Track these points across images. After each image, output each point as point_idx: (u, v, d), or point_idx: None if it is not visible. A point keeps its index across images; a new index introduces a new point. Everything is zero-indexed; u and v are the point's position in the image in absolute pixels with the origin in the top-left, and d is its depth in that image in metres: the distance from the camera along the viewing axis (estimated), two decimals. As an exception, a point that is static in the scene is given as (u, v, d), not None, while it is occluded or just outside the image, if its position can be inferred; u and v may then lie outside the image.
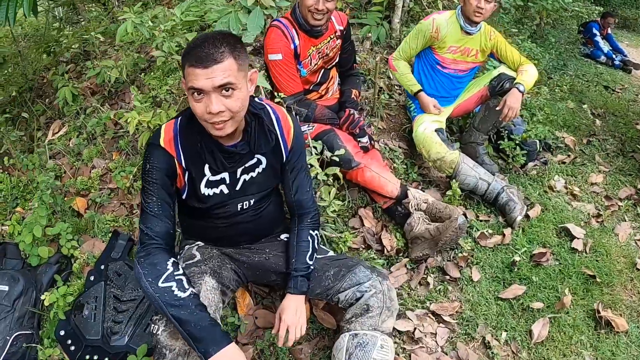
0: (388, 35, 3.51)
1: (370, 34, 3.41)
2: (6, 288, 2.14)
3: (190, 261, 1.64)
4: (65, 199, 2.46)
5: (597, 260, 2.36)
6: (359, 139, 2.42)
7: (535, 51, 3.69)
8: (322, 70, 2.50)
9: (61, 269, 2.26)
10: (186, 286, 1.38)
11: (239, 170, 1.58)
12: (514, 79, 2.76)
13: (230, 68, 1.30)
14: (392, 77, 3.26)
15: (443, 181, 2.73)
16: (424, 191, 2.64)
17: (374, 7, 3.56)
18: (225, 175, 1.57)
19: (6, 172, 2.51)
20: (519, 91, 2.63)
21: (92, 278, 2.10)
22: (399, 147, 2.83)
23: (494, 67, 3.12)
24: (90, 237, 2.34)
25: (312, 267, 1.67)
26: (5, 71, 3.66)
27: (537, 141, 3.08)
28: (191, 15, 2.69)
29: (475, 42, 2.74)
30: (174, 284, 1.37)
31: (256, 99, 1.64)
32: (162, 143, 1.47)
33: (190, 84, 1.30)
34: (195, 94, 1.32)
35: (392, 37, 3.50)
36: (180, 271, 1.42)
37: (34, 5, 2.28)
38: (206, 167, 1.53)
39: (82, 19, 4.51)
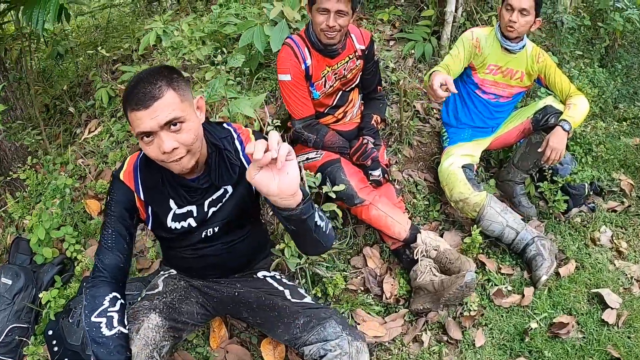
0: (435, 52, 3.22)
1: (413, 51, 3.14)
2: (10, 282, 2.19)
3: (150, 292, 1.58)
4: (80, 202, 2.47)
5: (629, 338, 1.99)
6: (370, 172, 2.21)
7: (600, 77, 3.22)
8: (340, 92, 2.30)
9: (64, 270, 2.28)
10: (115, 324, 1.31)
11: (206, 203, 1.49)
12: (562, 112, 2.41)
13: (172, 101, 1.20)
14: (431, 99, 2.99)
15: (468, 223, 2.44)
16: (442, 234, 2.38)
17: (421, 22, 3.28)
18: (192, 207, 1.49)
19: (33, 169, 2.57)
20: (564, 130, 2.29)
21: (85, 284, 2.10)
22: (425, 179, 2.58)
23: (540, 98, 2.75)
24: (96, 241, 2.34)
25: None
26: (63, 64, 3.81)
27: (586, 184, 2.69)
28: (215, 25, 2.60)
29: (519, 63, 2.42)
30: (103, 320, 1.32)
31: (224, 124, 1.53)
32: (122, 176, 1.43)
33: (137, 130, 1.20)
34: (145, 137, 1.22)
35: (439, 54, 3.21)
36: (116, 307, 1.35)
37: (61, 12, 2.28)
38: (171, 201, 1.47)
39: (157, 12, 4.53)
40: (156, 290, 1.58)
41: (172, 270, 1.71)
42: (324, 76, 2.19)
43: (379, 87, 2.41)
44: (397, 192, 2.44)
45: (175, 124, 1.21)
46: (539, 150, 2.37)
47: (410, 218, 2.40)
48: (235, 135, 1.52)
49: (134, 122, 1.20)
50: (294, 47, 2.12)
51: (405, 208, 2.39)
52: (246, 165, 1.48)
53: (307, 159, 2.25)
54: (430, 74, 2.14)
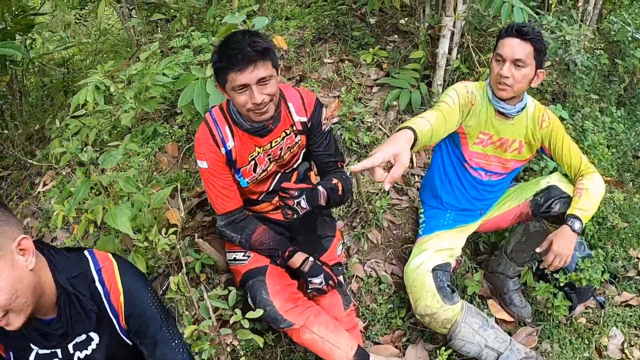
0: (425, 101, 2.68)
1: (396, 102, 2.62)
2: None
3: None
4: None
5: None
6: (310, 279, 1.74)
7: (618, 129, 2.60)
8: (279, 174, 1.83)
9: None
10: None
11: (70, 346, 1.23)
12: (569, 197, 1.85)
13: None
14: (413, 164, 2.46)
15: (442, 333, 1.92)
16: (405, 348, 1.88)
17: (409, 65, 2.74)
18: (57, 350, 1.24)
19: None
20: (573, 230, 1.74)
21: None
22: (392, 273, 2.07)
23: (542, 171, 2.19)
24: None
25: None
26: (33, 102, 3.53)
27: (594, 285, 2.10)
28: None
29: (517, 130, 1.85)
30: None
31: (85, 252, 1.25)
32: None
33: None
34: None
35: (430, 103, 2.67)
36: None
37: None
38: (30, 344, 1.22)
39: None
40: None
41: None
42: (252, 159, 1.73)
43: (339, 164, 1.86)
44: (354, 295, 1.96)
45: None
46: (538, 250, 1.82)
47: (366, 328, 1.92)
48: (94, 271, 1.23)
49: None
50: (212, 126, 1.67)
51: (361, 314, 1.90)
52: (108, 311, 1.23)
53: (235, 259, 1.81)
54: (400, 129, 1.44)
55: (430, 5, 2.73)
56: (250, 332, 1.55)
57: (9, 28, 2.88)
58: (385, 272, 2.06)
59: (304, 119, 1.75)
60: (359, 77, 2.80)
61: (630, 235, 2.42)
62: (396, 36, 3.17)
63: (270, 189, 1.84)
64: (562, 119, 2.42)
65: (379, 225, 2.17)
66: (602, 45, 2.76)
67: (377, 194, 2.25)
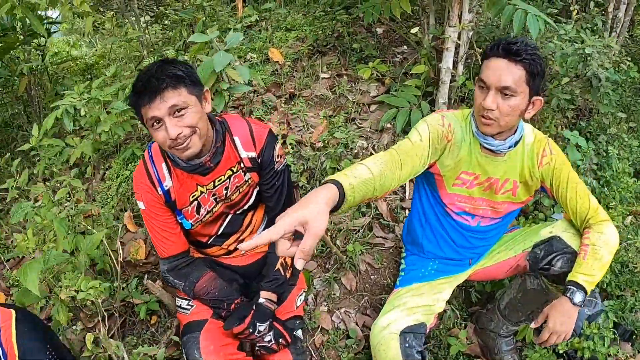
0: (426, 121, 2.36)
1: (390, 124, 2.32)
2: None
3: None
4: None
5: None
6: (257, 338, 1.51)
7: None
8: (228, 216, 1.62)
9: None
10: None
11: None
12: (575, 254, 1.50)
13: None
14: (404, 197, 2.16)
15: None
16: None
17: (410, 81, 2.43)
18: None
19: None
20: (573, 303, 1.40)
21: None
22: (364, 325, 1.80)
23: (544, 217, 1.82)
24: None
25: None
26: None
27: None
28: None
29: (510, 168, 1.50)
30: None
31: None
32: None
33: None
34: None
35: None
36: None
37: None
38: None
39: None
40: None
41: None
42: (195, 199, 1.52)
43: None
44: (316, 350, 1.71)
45: None
46: (533, 326, 1.50)
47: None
48: None
49: None
50: (149, 165, 1.48)
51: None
52: None
53: (180, 307, 1.62)
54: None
55: (435, 15, 2.40)
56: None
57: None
58: (356, 324, 1.79)
59: (253, 155, 1.52)
60: (356, 94, 2.53)
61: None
62: (405, 47, 2.86)
63: (220, 232, 1.62)
64: (578, 147, 2.04)
65: (355, 268, 1.91)
66: (631, 57, 2.32)
67: (356, 232, 1.99)
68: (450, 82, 2.33)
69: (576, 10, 2.30)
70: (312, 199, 0.95)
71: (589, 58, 2.03)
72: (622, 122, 2.44)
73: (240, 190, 1.56)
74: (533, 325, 1.49)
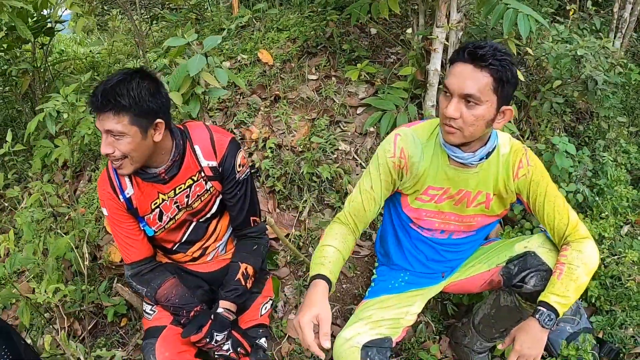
0: (414, 125, 2.31)
1: (374, 128, 2.28)
2: None
3: None
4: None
5: None
6: (216, 347, 1.52)
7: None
8: (192, 224, 1.63)
9: None
10: None
11: None
12: (549, 271, 1.45)
13: None
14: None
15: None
16: None
17: (397, 83, 2.38)
18: None
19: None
20: (542, 326, 1.32)
21: None
22: (332, 335, 1.76)
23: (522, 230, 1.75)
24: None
25: None
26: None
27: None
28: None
29: (483, 180, 1.43)
30: None
31: None
32: None
33: None
34: None
35: (420, 127, 2.30)
36: None
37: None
38: None
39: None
40: None
41: None
42: (156, 207, 1.54)
43: (252, 219, 1.64)
44: (281, 359, 1.71)
45: None
46: (500, 347, 1.45)
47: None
48: None
49: None
50: (111, 173, 1.50)
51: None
52: None
53: (145, 311, 1.64)
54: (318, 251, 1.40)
55: (424, 15, 2.35)
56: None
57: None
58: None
59: (214, 164, 1.52)
60: (344, 96, 2.50)
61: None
62: (400, 48, 2.80)
63: (184, 239, 1.63)
64: (568, 153, 1.96)
65: (328, 276, 1.88)
66: (630, 59, 2.21)
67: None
68: (439, 85, 2.27)
69: (573, 10, 2.21)
70: (314, 299, 1.26)
71: (582, 60, 1.95)
72: (623, 127, 2.34)
73: (202, 198, 1.56)
74: (500, 346, 1.44)
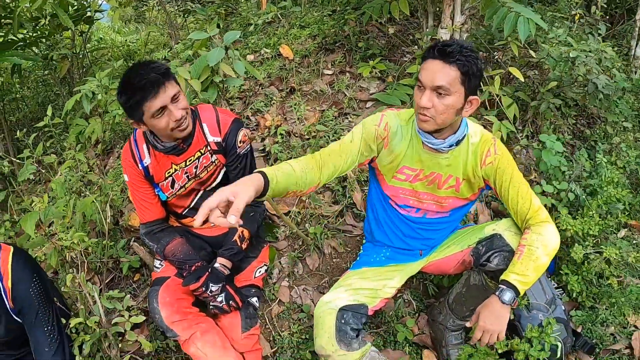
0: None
1: (378, 121, 2.51)
2: None
3: None
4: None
5: None
6: (211, 297, 1.80)
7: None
8: (200, 192, 1.92)
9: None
10: None
11: None
12: (512, 252, 1.65)
13: None
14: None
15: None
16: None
17: (404, 79, 2.61)
18: None
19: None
20: (502, 302, 1.51)
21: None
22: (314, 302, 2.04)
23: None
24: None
25: None
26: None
27: (559, 344, 1.82)
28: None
29: (453, 166, 1.64)
30: None
31: None
32: None
33: None
34: None
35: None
36: None
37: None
38: None
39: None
40: None
41: None
42: (170, 176, 1.85)
43: None
44: (271, 319, 1.98)
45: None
46: (467, 325, 1.64)
47: (273, 354, 1.94)
48: None
49: None
50: (132, 145, 1.82)
51: (272, 339, 1.92)
52: (1, 291, 1.54)
53: (155, 266, 1.95)
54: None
55: (433, 16, 2.57)
56: (134, 334, 1.68)
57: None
58: (312, 301, 2.02)
59: (218, 139, 1.81)
60: (355, 91, 2.75)
61: (634, 298, 2.05)
62: (415, 47, 3.03)
63: (193, 205, 1.93)
64: (557, 152, 2.13)
65: (320, 250, 2.15)
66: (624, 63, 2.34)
67: (329, 218, 2.23)
68: (443, 83, 2.48)
69: (579, 15, 2.38)
70: (240, 181, 1.28)
71: (575, 62, 2.11)
72: (629, 132, 2.46)
73: (208, 169, 1.86)
74: (468, 324, 1.62)
